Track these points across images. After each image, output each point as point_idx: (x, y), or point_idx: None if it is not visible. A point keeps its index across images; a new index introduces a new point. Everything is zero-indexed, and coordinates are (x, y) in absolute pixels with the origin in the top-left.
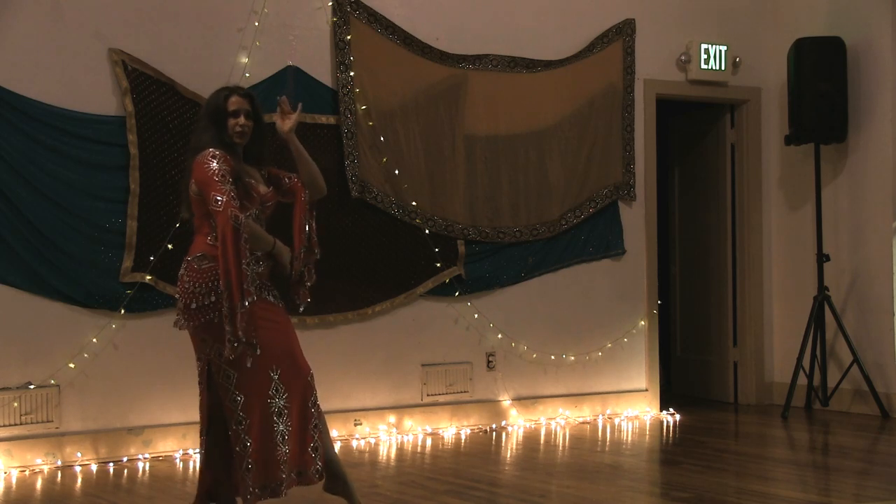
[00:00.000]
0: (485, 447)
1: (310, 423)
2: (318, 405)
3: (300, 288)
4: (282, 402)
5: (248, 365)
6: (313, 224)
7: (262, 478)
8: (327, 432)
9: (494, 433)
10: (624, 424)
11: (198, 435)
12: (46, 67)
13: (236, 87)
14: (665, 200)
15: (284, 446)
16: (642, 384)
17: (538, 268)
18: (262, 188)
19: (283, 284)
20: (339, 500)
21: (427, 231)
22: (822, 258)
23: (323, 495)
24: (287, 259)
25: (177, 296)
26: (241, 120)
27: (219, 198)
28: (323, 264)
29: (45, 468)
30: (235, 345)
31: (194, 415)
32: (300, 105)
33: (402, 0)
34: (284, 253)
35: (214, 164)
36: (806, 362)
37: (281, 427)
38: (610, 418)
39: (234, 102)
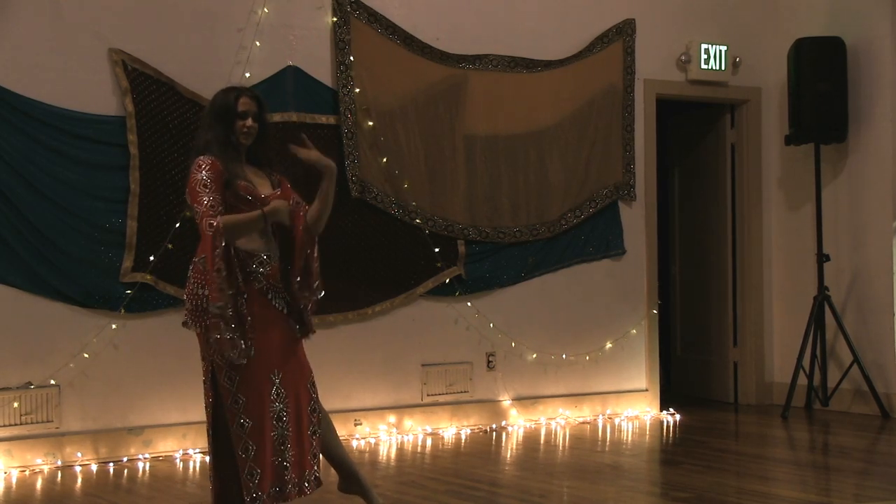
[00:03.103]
0: (485, 447)
1: (308, 428)
2: (320, 410)
3: (303, 316)
4: (281, 407)
5: (244, 362)
6: (314, 258)
7: (266, 483)
8: (334, 433)
9: (494, 433)
10: (624, 424)
11: (198, 435)
12: (46, 67)
13: (246, 87)
14: (665, 200)
15: (286, 451)
16: (642, 384)
17: (538, 268)
18: (267, 189)
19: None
20: (343, 501)
21: (427, 231)
22: (822, 258)
23: (323, 495)
24: (284, 216)
25: (185, 296)
26: (249, 122)
27: (197, 208)
28: (323, 264)
29: (45, 468)
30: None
31: (194, 415)
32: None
33: (402, 0)
34: (279, 212)
35: (200, 174)
36: (806, 362)
37: (280, 432)
38: (610, 418)
39: (244, 103)
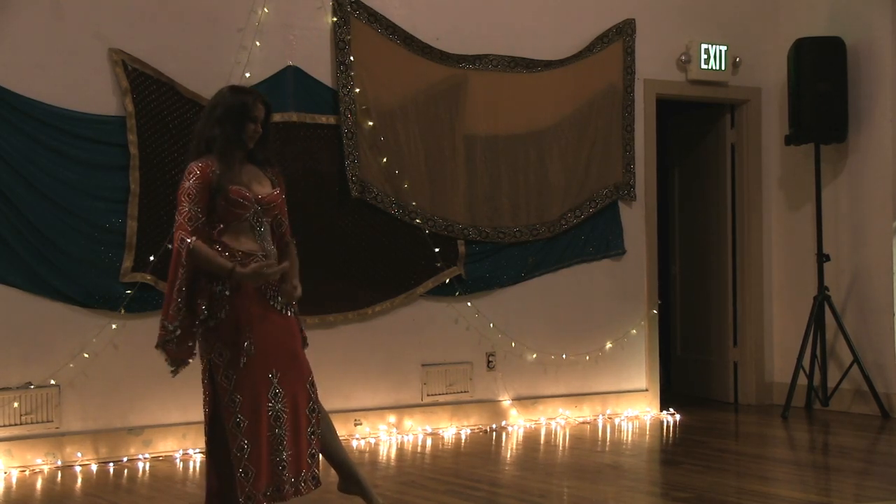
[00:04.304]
0: (485, 447)
1: (307, 428)
2: (320, 410)
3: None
4: (280, 406)
5: (241, 365)
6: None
7: (261, 482)
8: (334, 434)
9: (494, 433)
10: (624, 424)
11: (198, 435)
12: (46, 67)
13: (257, 91)
14: (665, 200)
15: (282, 451)
16: (642, 384)
17: (538, 268)
18: (267, 189)
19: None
20: (343, 501)
21: (427, 231)
22: (822, 258)
23: (323, 495)
24: (254, 278)
25: None
26: (259, 127)
27: (176, 217)
28: (323, 264)
29: (46, 468)
30: (157, 348)
31: (194, 415)
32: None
33: (402, 0)
34: (247, 277)
35: (187, 183)
36: (806, 362)
37: (277, 431)
38: (610, 418)
39: (259, 110)
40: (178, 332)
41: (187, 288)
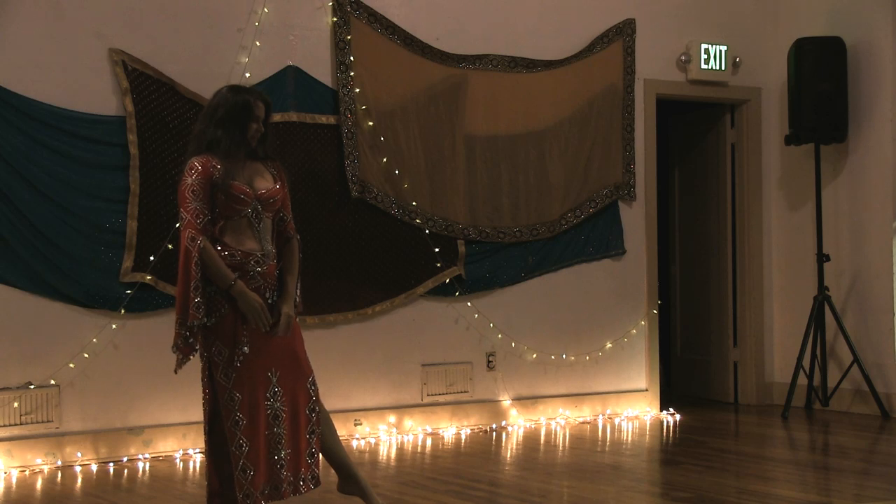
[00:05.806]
0: (485, 447)
1: (306, 428)
2: (320, 410)
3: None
4: (278, 405)
5: (238, 364)
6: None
7: (259, 481)
8: (335, 434)
9: (494, 433)
10: (624, 424)
11: (198, 435)
12: (46, 67)
13: (257, 90)
14: (665, 200)
15: (280, 450)
16: (642, 384)
17: (538, 268)
18: (269, 184)
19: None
20: (343, 501)
21: (427, 231)
22: (822, 258)
23: (324, 496)
24: (249, 307)
25: None
26: (261, 125)
27: (183, 215)
28: (323, 264)
29: (46, 468)
30: (174, 351)
31: (194, 415)
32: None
33: (402, 0)
34: (245, 299)
35: (189, 179)
36: (806, 362)
37: (275, 430)
38: (610, 418)
39: (261, 109)
40: (196, 329)
41: (203, 286)
